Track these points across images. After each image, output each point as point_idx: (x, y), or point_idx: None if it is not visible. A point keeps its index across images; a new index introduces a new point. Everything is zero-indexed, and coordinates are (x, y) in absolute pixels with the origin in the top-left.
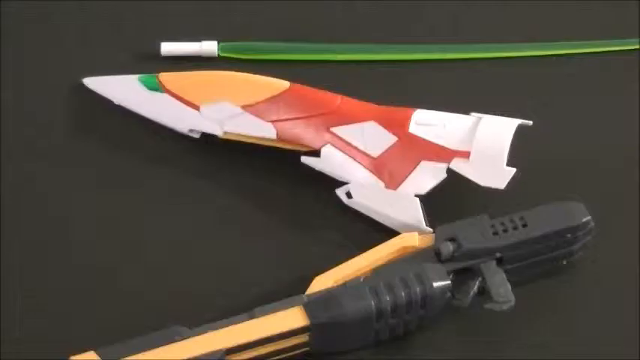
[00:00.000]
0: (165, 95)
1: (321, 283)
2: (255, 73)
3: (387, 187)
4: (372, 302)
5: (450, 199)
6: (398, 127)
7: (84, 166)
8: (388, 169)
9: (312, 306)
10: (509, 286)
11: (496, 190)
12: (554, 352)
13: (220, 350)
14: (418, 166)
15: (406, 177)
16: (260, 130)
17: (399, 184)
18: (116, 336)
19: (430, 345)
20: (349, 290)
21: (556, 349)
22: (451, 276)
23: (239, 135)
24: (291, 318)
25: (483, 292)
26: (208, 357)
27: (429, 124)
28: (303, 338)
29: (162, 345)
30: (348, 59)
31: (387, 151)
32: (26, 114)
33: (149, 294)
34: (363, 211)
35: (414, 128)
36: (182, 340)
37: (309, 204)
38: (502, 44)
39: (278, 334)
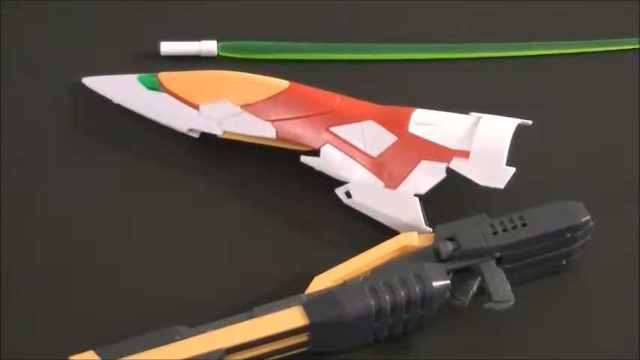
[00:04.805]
0: (165, 95)
1: (321, 282)
2: (254, 73)
3: (386, 186)
4: (372, 302)
5: (450, 199)
6: (397, 126)
7: (83, 165)
8: (388, 169)
9: (311, 305)
10: (508, 286)
11: (495, 190)
12: (554, 351)
13: (220, 350)
14: (418, 166)
15: (406, 176)
16: (259, 129)
17: (399, 184)
18: (116, 336)
19: (430, 345)
20: (349, 290)
21: (556, 348)
22: (450, 275)
23: (238, 134)
24: (290, 317)
25: (483, 291)
26: (208, 356)
27: (429, 123)
28: (303, 338)
29: (162, 344)
30: (348, 59)
31: (386, 150)
32: (26, 114)
33: (149, 294)
34: (362, 210)
35: (413, 128)
36: (182, 339)
37: (309, 204)
38: (502, 44)
39: (277, 334)
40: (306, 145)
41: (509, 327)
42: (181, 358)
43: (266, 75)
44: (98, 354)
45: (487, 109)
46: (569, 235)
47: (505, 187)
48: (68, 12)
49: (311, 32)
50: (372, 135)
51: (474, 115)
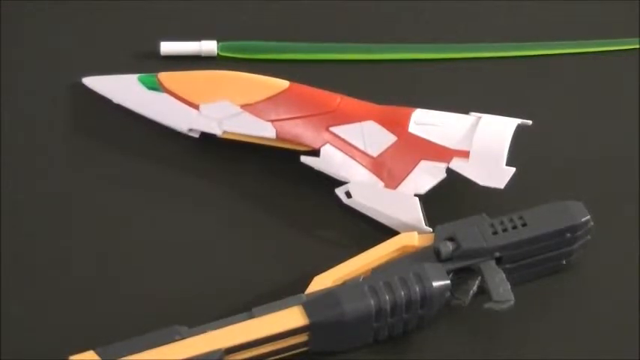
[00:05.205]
0: (165, 95)
1: (321, 282)
2: (254, 73)
3: (386, 186)
4: (372, 302)
5: (450, 199)
6: (397, 126)
7: (83, 165)
8: (388, 169)
9: (311, 305)
10: (508, 286)
11: (495, 190)
12: (554, 352)
13: (220, 350)
14: (417, 166)
15: (406, 176)
16: (259, 129)
17: (399, 184)
18: (116, 336)
19: (429, 345)
20: (348, 290)
21: (556, 349)
22: (450, 275)
23: (238, 134)
24: (290, 317)
25: (483, 291)
26: (208, 356)
27: (429, 123)
28: (303, 338)
29: (162, 344)
30: (348, 59)
31: (386, 150)
32: (26, 114)
33: (149, 294)
34: (362, 210)
35: (413, 128)
36: (182, 339)
37: (309, 204)
38: (502, 44)
39: (277, 334)
40: (306, 145)
41: (509, 327)
42: (181, 358)
43: (266, 75)
44: (98, 354)
45: (487, 109)
46: (569, 235)
47: (505, 187)
48: (68, 12)
49: (311, 32)
50: (372, 135)
51: (474, 115)
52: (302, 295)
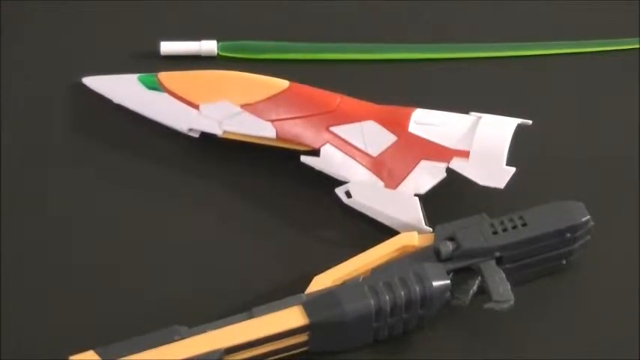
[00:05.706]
0: (165, 94)
1: (321, 282)
2: (254, 73)
3: (386, 186)
4: (372, 301)
5: (450, 199)
6: (397, 126)
7: (83, 165)
8: (388, 169)
9: (311, 305)
10: (508, 286)
11: (495, 190)
12: (554, 351)
13: (219, 350)
14: (418, 166)
15: (406, 176)
16: (259, 129)
17: (399, 184)
18: (116, 336)
19: (430, 345)
20: (348, 289)
21: (556, 348)
22: (451, 275)
23: (238, 134)
24: (290, 317)
25: (483, 291)
26: (207, 356)
27: (429, 123)
28: (303, 337)
29: (162, 344)
30: (348, 59)
31: (386, 150)
32: (26, 114)
33: (149, 294)
34: (362, 210)
35: (413, 127)
36: (181, 339)
37: (309, 203)
38: (502, 44)
39: (277, 334)
40: (306, 145)
41: (509, 327)
42: (181, 358)
43: (266, 75)
44: (98, 354)
45: (487, 109)
46: (569, 235)
47: (505, 187)
48: (68, 12)
49: (311, 32)
50: (372, 135)
51: (474, 115)
52: (302, 295)
